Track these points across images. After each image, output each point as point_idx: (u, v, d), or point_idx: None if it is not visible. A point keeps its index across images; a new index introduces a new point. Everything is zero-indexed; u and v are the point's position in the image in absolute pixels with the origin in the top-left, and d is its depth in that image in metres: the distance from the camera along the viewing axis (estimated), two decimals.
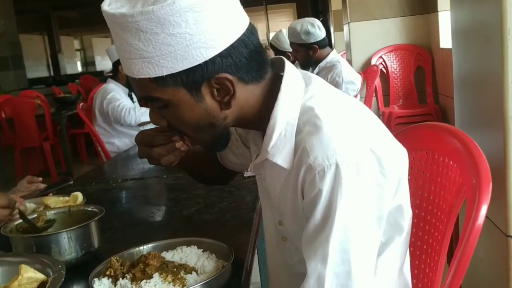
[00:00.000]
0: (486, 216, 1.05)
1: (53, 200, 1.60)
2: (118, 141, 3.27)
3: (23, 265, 0.93)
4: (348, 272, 0.82)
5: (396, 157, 0.90)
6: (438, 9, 3.98)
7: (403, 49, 4.32)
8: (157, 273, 1.02)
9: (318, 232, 0.84)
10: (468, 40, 1.60)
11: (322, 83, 0.98)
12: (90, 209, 1.35)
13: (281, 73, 0.94)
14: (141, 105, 3.34)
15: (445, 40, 4.04)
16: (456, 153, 1.08)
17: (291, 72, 0.95)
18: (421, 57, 4.23)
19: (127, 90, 3.40)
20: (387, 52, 4.30)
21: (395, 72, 4.36)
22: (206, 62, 0.84)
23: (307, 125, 0.88)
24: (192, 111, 0.89)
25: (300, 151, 0.87)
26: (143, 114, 3.16)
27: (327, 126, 0.85)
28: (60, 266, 0.96)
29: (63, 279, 0.91)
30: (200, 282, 0.98)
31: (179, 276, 1.02)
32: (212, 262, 1.09)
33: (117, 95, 3.25)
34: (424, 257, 1.14)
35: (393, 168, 0.87)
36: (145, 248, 1.15)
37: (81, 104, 3.56)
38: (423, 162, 1.17)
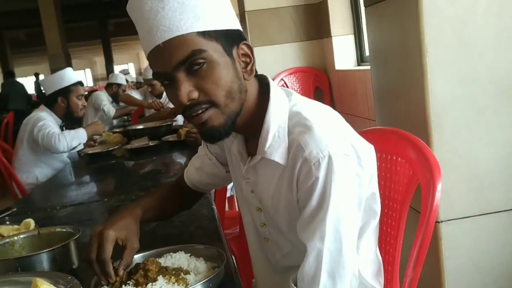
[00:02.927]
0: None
1: (4, 229, 1.57)
2: (39, 172, 3.14)
3: (37, 279, 0.95)
4: (340, 249, 0.97)
5: (368, 151, 1.07)
6: (332, 35, 4.38)
7: (302, 71, 4.65)
8: (160, 276, 1.08)
9: (315, 216, 0.97)
10: (386, 58, 1.86)
11: (298, 94, 1.13)
12: (62, 230, 1.36)
13: (266, 82, 1.09)
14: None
15: (340, 62, 4.44)
16: (404, 150, 1.28)
17: (275, 84, 1.09)
18: (319, 79, 4.59)
19: (60, 122, 3.31)
20: (287, 75, 4.61)
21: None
22: (237, 29, 1.04)
23: (298, 127, 1.02)
24: (227, 73, 1.00)
25: (294, 148, 1.01)
26: (74, 138, 3.10)
27: (316, 126, 1.00)
28: (70, 278, 0.99)
29: None
30: (200, 281, 1.06)
31: (180, 277, 1.09)
32: (203, 264, 1.17)
33: (49, 122, 3.15)
34: (384, 245, 1.32)
35: (367, 160, 1.04)
36: (135, 258, 1.20)
37: None
38: None
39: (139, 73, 22.29)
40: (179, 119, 4.21)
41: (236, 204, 3.37)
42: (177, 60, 0.97)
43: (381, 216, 1.26)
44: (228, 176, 1.32)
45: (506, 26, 1.64)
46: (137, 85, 7.18)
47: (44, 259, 1.20)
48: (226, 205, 2.64)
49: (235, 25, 1.04)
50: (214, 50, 0.98)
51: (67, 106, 3.24)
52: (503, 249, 1.69)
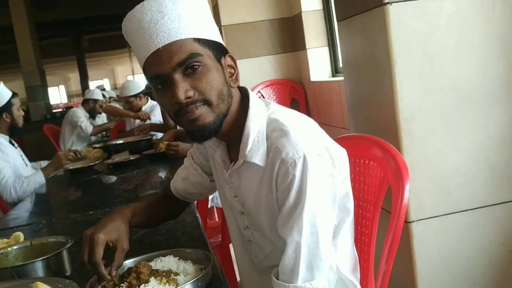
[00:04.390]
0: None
1: None
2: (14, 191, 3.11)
3: (38, 282, 1.01)
4: (316, 242, 1.06)
5: (341, 154, 1.16)
6: (307, 47, 4.51)
7: (278, 84, 4.76)
8: (152, 277, 1.15)
9: (292, 211, 1.06)
10: (358, 70, 1.97)
11: (276, 104, 1.22)
12: (54, 240, 1.41)
13: (246, 94, 1.19)
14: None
15: (315, 74, 4.58)
16: (375, 154, 1.38)
17: (254, 95, 1.19)
18: (295, 90, 4.71)
19: (7, 138, 3.28)
20: (264, 87, 4.71)
21: None
22: (221, 43, 1.16)
23: (275, 132, 1.12)
24: (218, 76, 1.11)
25: (272, 151, 1.10)
26: (29, 186, 2.99)
27: (292, 130, 1.10)
28: (68, 281, 1.06)
29: None
30: (189, 281, 1.14)
31: (171, 278, 1.16)
32: (191, 266, 1.24)
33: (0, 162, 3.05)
34: (359, 244, 1.41)
35: (340, 162, 1.14)
36: (127, 263, 1.26)
37: None
38: None
39: (115, 88, 22.19)
40: (159, 134, 4.28)
41: (216, 215, 3.44)
42: (176, 61, 1.07)
43: (355, 216, 1.36)
44: (212, 185, 1.40)
45: (466, 40, 1.76)
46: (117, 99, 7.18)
47: (39, 267, 1.26)
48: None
49: (220, 39, 1.17)
50: (207, 55, 1.10)
51: (11, 120, 3.19)
52: (470, 245, 1.80)
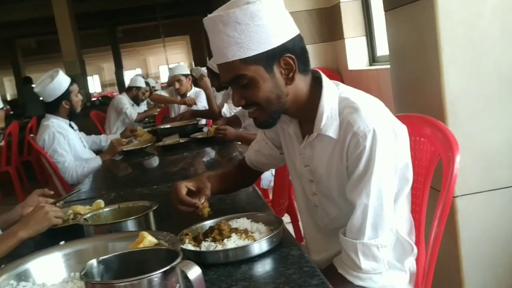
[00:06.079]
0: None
1: (80, 208, 1.83)
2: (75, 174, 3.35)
3: (143, 232, 1.19)
4: (381, 205, 1.23)
5: (402, 129, 1.32)
6: (344, 37, 4.63)
7: None
8: (233, 233, 1.33)
9: (361, 178, 1.23)
10: (405, 56, 2.12)
11: (343, 84, 1.38)
12: (139, 204, 1.61)
13: (317, 76, 1.35)
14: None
15: (352, 62, 4.70)
16: (425, 131, 1.53)
17: (325, 77, 1.35)
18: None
19: (67, 122, 3.51)
20: None
21: None
22: (279, 46, 1.23)
23: (346, 108, 1.28)
24: (267, 85, 1.26)
25: (345, 125, 1.26)
26: (88, 170, 3.27)
27: (362, 107, 1.26)
28: (165, 233, 1.24)
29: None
30: (265, 237, 1.31)
31: (249, 234, 1.34)
32: (263, 226, 1.42)
33: (63, 148, 3.34)
34: (411, 213, 1.56)
35: (401, 136, 1.29)
36: (206, 223, 1.45)
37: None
38: None
39: (147, 77, 22.52)
40: (202, 119, 4.48)
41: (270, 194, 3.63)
42: (226, 79, 1.30)
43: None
44: (282, 157, 1.58)
45: (509, 28, 1.89)
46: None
47: (131, 225, 1.45)
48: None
49: (280, 40, 1.23)
50: (254, 71, 1.25)
51: (70, 106, 3.41)
52: (510, 220, 1.93)
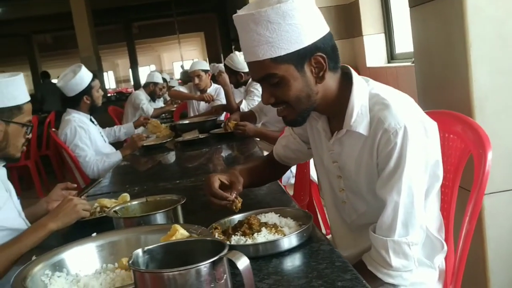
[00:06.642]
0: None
1: (107, 201, 1.84)
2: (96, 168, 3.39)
3: (176, 225, 1.20)
4: (412, 203, 1.22)
5: (432, 126, 1.31)
6: (363, 34, 4.61)
7: None
8: (263, 228, 1.33)
9: (392, 175, 1.22)
10: (431, 53, 2.10)
11: (373, 80, 1.38)
12: (167, 197, 1.61)
13: (346, 71, 1.34)
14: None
15: (371, 60, 4.68)
16: (455, 128, 1.52)
17: (355, 73, 1.34)
18: None
19: (88, 116, 3.55)
20: None
21: None
22: (310, 45, 1.22)
23: (377, 105, 1.27)
24: (297, 84, 1.26)
25: (375, 122, 1.25)
26: (109, 165, 3.30)
27: (393, 104, 1.25)
28: (197, 226, 1.25)
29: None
30: (295, 232, 1.31)
31: (279, 229, 1.35)
32: (292, 221, 1.42)
33: (84, 142, 3.37)
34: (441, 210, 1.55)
35: (432, 133, 1.28)
36: (235, 218, 1.45)
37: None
38: None
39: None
40: (222, 115, 4.49)
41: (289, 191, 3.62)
42: (256, 77, 1.30)
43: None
44: (309, 152, 1.57)
45: None
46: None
47: (160, 218, 1.46)
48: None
49: (312, 39, 1.22)
50: (284, 70, 1.24)
51: (91, 101, 3.45)
52: None
